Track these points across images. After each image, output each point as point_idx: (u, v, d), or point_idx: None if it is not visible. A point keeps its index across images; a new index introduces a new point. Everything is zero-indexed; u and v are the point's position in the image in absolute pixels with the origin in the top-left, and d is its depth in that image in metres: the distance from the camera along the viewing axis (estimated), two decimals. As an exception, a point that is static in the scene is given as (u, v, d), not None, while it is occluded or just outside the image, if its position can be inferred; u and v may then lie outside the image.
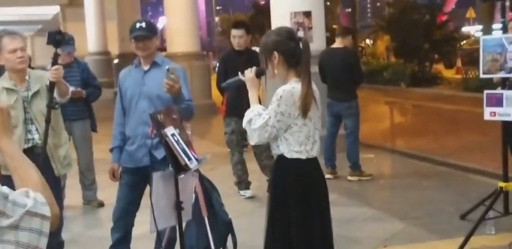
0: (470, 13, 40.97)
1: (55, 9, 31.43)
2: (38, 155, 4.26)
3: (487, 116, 5.41)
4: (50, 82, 4.30)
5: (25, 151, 4.19)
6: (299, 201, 3.45)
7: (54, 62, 4.40)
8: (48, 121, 4.28)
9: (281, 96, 3.37)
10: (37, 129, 4.37)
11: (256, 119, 3.41)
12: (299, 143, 3.44)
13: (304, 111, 3.39)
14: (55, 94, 4.37)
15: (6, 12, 30.82)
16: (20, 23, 33.25)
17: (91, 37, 24.41)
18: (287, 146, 3.44)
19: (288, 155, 3.45)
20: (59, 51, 4.56)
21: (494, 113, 5.35)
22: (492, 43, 5.36)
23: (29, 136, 4.36)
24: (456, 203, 6.55)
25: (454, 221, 5.91)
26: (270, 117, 3.38)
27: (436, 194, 7.04)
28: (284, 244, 3.47)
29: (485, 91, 5.47)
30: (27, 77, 4.43)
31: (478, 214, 5.48)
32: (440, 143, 10.05)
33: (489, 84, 14.04)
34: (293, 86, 3.42)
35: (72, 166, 4.79)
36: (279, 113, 3.38)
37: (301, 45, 3.47)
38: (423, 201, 6.76)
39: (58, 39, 4.37)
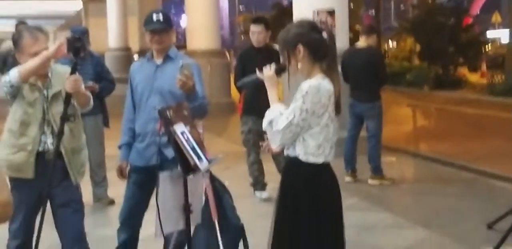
0: (496, 18, 40.44)
1: (78, 4, 31.45)
2: (48, 162, 3.93)
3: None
4: (66, 93, 3.88)
5: (38, 154, 3.94)
6: (311, 208, 3.19)
7: (73, 71, 3.91)
8: (60, 133, 3.88)
9: (306, 92, 3.09)
10: (52, 133, 3.96)
11: (278, 120, 3.12)
12: (318, 146, 3.16)
13: (338, 107, 3.18)
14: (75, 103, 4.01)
15: (29, 6, 30.89)
16: (43, 17, 33.33)
17: (112, 33, 24.33)
18: (304, 148, 3.16)
19: (303, 158, 3.17)
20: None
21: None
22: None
23: (43, 138, 3.97)
24: (482, 211, 6.26)
25: (481, 230, 5.63)
26: (294, 115, 3.09)
27: (461, 201, 6.75)
28: None
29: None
30: (49, 74, 4.01)
31: (506, 223, 5.20)
32: (465, 148, 9.74)
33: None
34: (319, 82, 3.14)
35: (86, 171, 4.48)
36: (304, 111, 3.09)
37: (325, 36, 3.20)
38: (447, 208, 6.48)
39: (77, 46, 3.90)
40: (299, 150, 3.17)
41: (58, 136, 3.88)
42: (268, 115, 3.17)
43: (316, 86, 3.11)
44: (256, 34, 6.74)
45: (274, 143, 3.18)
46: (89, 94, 4.12)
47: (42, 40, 3.92)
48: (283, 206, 3.27)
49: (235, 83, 6.86)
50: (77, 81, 3.86)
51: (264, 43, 6.78)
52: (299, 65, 3.19)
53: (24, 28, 4.10)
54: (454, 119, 13.57)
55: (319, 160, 3.18)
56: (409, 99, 17.75)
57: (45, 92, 3.98)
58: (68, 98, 3.88)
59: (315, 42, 3.18)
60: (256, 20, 7.00)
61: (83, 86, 3.99)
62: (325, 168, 3.24)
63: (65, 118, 3.88)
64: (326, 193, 3.26)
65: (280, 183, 3.36)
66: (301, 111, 3.08)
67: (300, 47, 3.16)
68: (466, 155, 9.07)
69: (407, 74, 21.48)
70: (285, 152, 3.26)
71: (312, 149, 3.16)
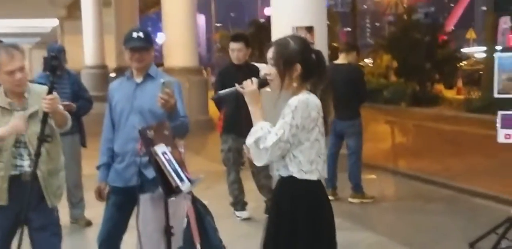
0: (471, 34, 40.91)
1: (54, 22, 31.32)
2: (25, 184, 3.83)
3: (501, 139, 5.11)
4: (43, 112, 3.78)
5: (12, 178, 3.83)
6: (311, 226, 3.10)
7: (50, 90, 3.82)
8: (37, 155, 3.78)
9: (296, 107, 3.01)
10: (29, 154, 3.86)
11: (267, 137, 3.02)
12: (310, 162, 3.08)
13: (326, 128, 3.10)
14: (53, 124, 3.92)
15: (4, 24, 30.68)
16: (18, 35, 33.12)
17: (88, 50, 24.21)
18: (297, 166, 3.07)
19: (298, 176, 3.08)
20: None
21: (509, 135, 5.04)
22: (509, 61, 5.06)
23: (18, 162, 3.87)
24: (463, 229, 6.23)
25: (463, 249, 5.57)
26: (284, 131, 3.00)
27: (442, 219, 6.71)
28: None
29: (500, 112, 5.16)
30: (26, 94, 3.91)
31: (488, 242, 5.17)
32: (444, 165, 9.73)
33: (492, 105, 13.80)
34: (307, 97, 3.07)
35: (64, 194, 4.32)
36: (294, 126, 3.01)
37: (313, 57, 3.14)
38: (429, 226, 6.43)
39: (55, 64, 3.90)
40: (292, 168, 3.09)
41: (35, 157, 3.78)
42: (254, 132, 3.06)
43: (304, 101, 3.04)
44: (236, 51, 6.68)
45: (259, 160, 3.07)
46: (67, 113, 4.03)
47: (18, 58, 3.82)
48: (278, 226, 3.16)
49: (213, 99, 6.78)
50: (54, 100, 3.76)
51: (244, 60, 6.73)
52: (294, 83, 3.11)
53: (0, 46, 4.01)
54: (432, 136, 13.60)
55: (314, 176, 3.10)
56: (387, 116, 17.81)
57: (16, 114, 3.87)
58: (45, 117, 3.79)
59: (312, 63, 3.12)
60: (236, 37, 6.94)
61: (60, 106, 3.91)
62: (320, 184, 3.17)
63: (42, 138, 3.77)
64: (324, 210, 3.18)
65: (274, 203, 3.25)
66: (290, 127, 3.00)
67: (298, 66, 3.09)
68: (445, 172, 9.07)
69: (384, 90, 21.58)
70: (275, 173, 3.17)
71: (305, 166, 3.08)
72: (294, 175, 3.08)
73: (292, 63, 3.08)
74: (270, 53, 3.15)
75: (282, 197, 3.16)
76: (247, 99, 3.14)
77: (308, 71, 3.11)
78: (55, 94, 3.82)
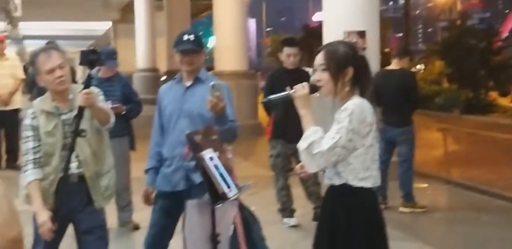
0: (526, 41, 40.06)
1: (107, 25, 31.74)
2: (73, 185, 3.84)
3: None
4: (79, 106, 3.75)
5: (60, 181, 3.81)
6: (368, 236, 3.02)
7: (86, 85, 3.79)
8: (71, 150, 3.76)
9: (353, 111, 2.94)
10: (77, 156, 3.84)
11: (320, 142, 2.92)
12: (365, 168, 2.99)
13: (373, 127, 3.02)
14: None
15: (58, 26, 31.23)
16: (71, 38, 33.69)
17: (140, 54, 24.43)
18: (352, 173, 2.98)
19: (353, 183, 2.98)
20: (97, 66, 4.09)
21: None
22: None
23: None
24: (519, 242, 6.01)
25: (519, 264, 5.37)
26: (341, 136, 2.91)
27: (497, 231, 6.50)
28: None
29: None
30: (71, 96, 3.89)
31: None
32: (499, 175, 9.45)
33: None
34: (361, 101, 3.01)
35: (114, 196, 4.26)
36: (351, 131, 2.92)
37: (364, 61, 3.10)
38: (484, 239, 6.24)
39: (92, 59, 3.83)
40: (346, 175, 2.99)
41: (69, 152, 3.75)
42: (307, 136, 2.96)
43: (360, 105, 2.98)
44: (292, 56, 6.61)
45: (312, 167, 2.99)
46: (108, 109, 3.98)
47: (56, 56, 3.81)
48: (333, 235, 3.06)
49: (263, 103, 6.73)
50: (89, 94, 3.71)
51: (297, 65, 6.66)
52: (347, 88, 3.04)
53: (39, 48, 4.01)
54: (486, 144, 13.28)
55: (368, 183, 3.01)
56: (440, 123, 17.45)
57: (69, 115, 3.87)
58: (80, 112, 3.75)
59: (363, 66, 3.07)
60: (291, 42, 6.88)
61: (99, 101, 3.87)
62: (374, 192, 3.08)
63: (77, 133, 3.74)
64: (380, 219, 3.11)
65: (327, 212, 3.15)
66: (347, 131, 2.91)
67: (350, 69, 3.03)
68: (500, 182, 8.81)
69: (437, 97, 21.19)
70: (327, 182, 3.08)
71: (361, 173, 2.99)
72: (349, 183, 2.99)
73: (345, 67, 3.03)
74: (319, 59, 3.09)
75: (338, 206, 3.06)
76: (298, 104, 3.07)
77: (358, 75, 3.06)
78: (92, 88, 3.78)
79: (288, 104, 3.16)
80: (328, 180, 3.07)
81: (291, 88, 3.11)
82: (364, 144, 2.98)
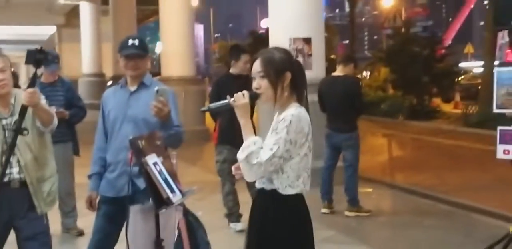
0: (468, 49, 41.00)
1: (51, 29, 31.28)
2: (14, 190, 3.79)
3: (500, 154, 5.01)
4: (22, 105, 3.70)
5: (0, 186, 3.72)
6: (294, 241, 3.04)
7: (31, 84, 3.73)
8: (11, 147, 3.70)
9: (290, 122, 2.95)
10: (18, 161, 3.79)
11: (259, 152, 2.93)
12: (297, 177, 3.02)
13: (309, 137, 3.03)
14: (38, 123, 3.84)
15: (2, 31, 30.64)
16: (15, 42, 33.07)
17: (86, 59, 24.17)
18: (284, 181, 3.00)
19: (282, 191, 3.01)
20: (40, 70, 4.02)
21: (508, 151, 4.95)
22: (507, 76, 4.98)
23: (7, 170, 3.77)
24: (461, 245, 6.14)
25: (460, 266, 5.47)
26: (279, 147, 2.92)
27: (440, 235, 6.60)
28: None
29: (499, 127, 5.07)
30: (12, 100, 3.84)
31: (487, 259, 5.05)
32: (442, 180, 9.63)
33: (490, 120, 13.70)
34: (299, 111, 3.01)
35: (57, 201, 4.21)
36: (288, 142, 2.94)
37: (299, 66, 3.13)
38: (426, 242, 6.33)
39: (39, 58, 3.75)
40: (278, 183, 3.02)
41: (10, 149, 3.69)
42: (246, 147, 2.96)
43: (298, 115, 2.98)
44: (248, 63, 6.63)
45: (251, 176, 2.99)
46: (50, 110, 3.92)
47: None
48: (258, 240, 3.09)
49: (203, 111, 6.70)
50: (34, 93, 3.66)
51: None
52: (285, 93, 3.05)
53: None
54: (430, 150, 13.51)
55: (297, 191, 3.04)
56: (384, 129, 17.73)
57: (9, 120, 3.80)
58: (23, 111, 3.70)
59: (300, 71, 3.08)
60: (245, 49, 6.98)
61: (42, 101, 3.81)
62: (301, 198, 3.10)
63: (18, 130, 3.68)
64: (305, 224, 3.12)
65: (254, 217, 3.17)
66: (285, 142, 2.93)
67: (288, 74, 3.04)
68: (443, 187, 8.97)
69: (382, 103, 21.50)
70: (259, 186, 3.09)
71: (292, 181, 3.01)
72: (279, 190, 3.02)
73: (283, 72, 3.03)
74: (257, 67, 3.08)
75: (264, 213, 3.08)
76: (238, 113, 3.06)
77: (296, 79, 3.07)
78: (35, 88, 3.71)
79: (233, 110, 3.15)
80: (259, 184, 3.09)
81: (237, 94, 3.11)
82: (299, 153, 3.00)
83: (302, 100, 3.09)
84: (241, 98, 3.04)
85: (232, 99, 3.06)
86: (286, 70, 3.03)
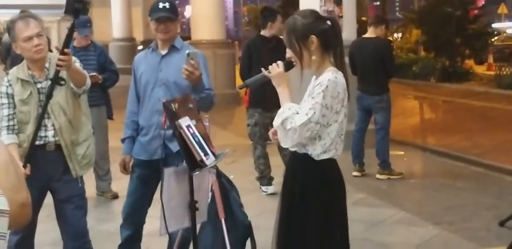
0: (502, 9, 40.14)
1: (81, -6, 31.19)
2: (49, 153, 3.85)
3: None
4: (56, 65, 3.67)
5: (36, 147, 3.80)
6: (321, 204, 3.06)
7: (65, 45, 3.69)
8: (48, 96, 3.74)
9: (327, 86, 2.93)
10: (53, 125, 3.83)
11: (294, 118, 2.93)
12: (331, 142, 3.01)
13: (348, 97, 3.04)
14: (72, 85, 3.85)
15: (32, -4, 30.67)
16: (45, 7, 33.10)
17: (116, 23, 24.13)
18: (320, 147, 3.01)
19: (315, 157, 3.02)
20: (74, 34, 4.01)
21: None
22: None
23: (42, 133, 3.83)
24: (493, 207, 6.11)
25: (493, 228, 5.47)
26: (314, 112, 2.90)
27: (471, 197, 6.59)
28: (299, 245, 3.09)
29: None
30: (47, 65, 3.87)
31: (519, 221, 5.04)
32: (474, 142, 9.55)
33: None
34: (335, 76, 2.98)
35: (93, 164, 4.25)
36: (324, 107, 2.92)
37: (329, 25, 3.06)
38: (458, 204, 6.32)
39: (78, 7, 3.68)
40: (311, 149, 3.02)
41: (46, 99, 3.74)
42: (281, 113, 2.99)
43: (334, 80, 2.96)
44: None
45: (287, 142, 3.00)
46: (84, 72, 3.93)
47: (34, 24, 3.77)
48: (290, 203, 3.13)
49: (240, 73, 6.69)
50: (67, 56, 3.65)
51: None
52: (313, 57, 3.03)
53: (17, 16, 3.95)
54: (462, 112, 13.38)
55: (329, 155, 3.04)
56: (416, 91, 17.56)
57: (39, 85, 3.85)
58: (57, 73, 3.73)
59: (326, 32, 3.04)
60: (279, 11, 6.89)
61: (76, 64, 3.83)
62: (334, 163, 3.11)
63: (55, 80, 3.72)
64: (337, 189, 3.13)
65: (287, 179, 3.20)
66: (321, 107, 2.91)
67: (313, 38, 3.01)
68: (475, 149, 8.91)
69: (414, 66, 21.27)
70: (291, 148, 3.10)
71: (326, 147, 3.01)
72: (312, 155, 3.02)
73: (306, 37, 3.01)
74: (284, 37, 3.11)
75: (297, 174, 3.11)
76: (274, 83, 3.09)
77: (326, 41, 3.04)
78: (69, 49, 3.69)
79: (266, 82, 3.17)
80: (292, 147, 3.09)
81: (269, 57, 3.14)
82: (336, 120, 2.99)
83: (336, 62, 3.07)
84: (275, 68, 3.07)
85: (268, 71, 3.08)
86: (310, 34, 3.00)
